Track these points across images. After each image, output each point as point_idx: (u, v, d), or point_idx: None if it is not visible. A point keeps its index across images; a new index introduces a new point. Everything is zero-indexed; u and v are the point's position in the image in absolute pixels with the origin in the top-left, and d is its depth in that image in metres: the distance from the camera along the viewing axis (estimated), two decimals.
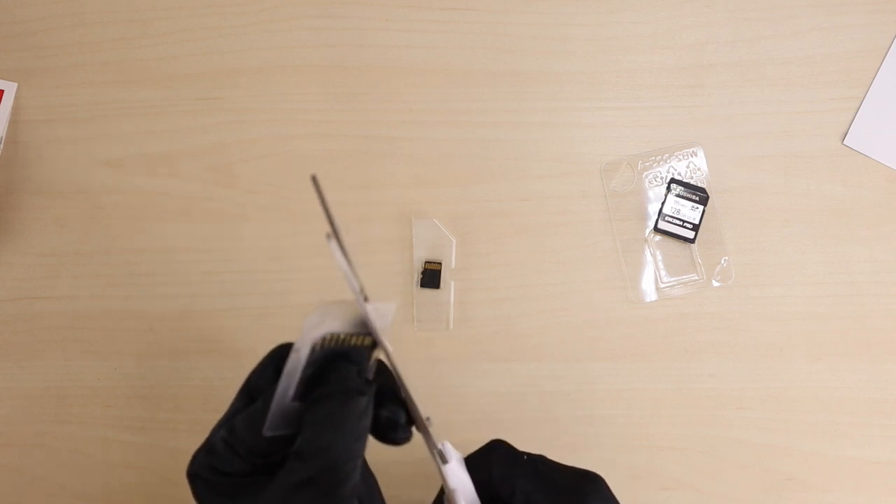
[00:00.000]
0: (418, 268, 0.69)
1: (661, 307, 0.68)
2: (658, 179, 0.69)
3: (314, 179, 0.37)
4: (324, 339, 0.40)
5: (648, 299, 0.68)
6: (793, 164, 0.68)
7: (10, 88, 0.71)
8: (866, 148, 0.68)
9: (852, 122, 0.68)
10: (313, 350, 0.40)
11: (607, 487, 0.47)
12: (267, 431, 0.40)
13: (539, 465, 0.49)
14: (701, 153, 0.69)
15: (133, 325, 0.70)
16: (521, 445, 0.69)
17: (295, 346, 0.39)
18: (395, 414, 0.42)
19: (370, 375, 0.42)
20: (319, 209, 0.36)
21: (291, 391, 0.40)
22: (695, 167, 0.69)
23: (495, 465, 0.50)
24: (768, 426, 0.68)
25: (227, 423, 0.42)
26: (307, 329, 0.39)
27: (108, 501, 0.69)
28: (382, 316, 0.40)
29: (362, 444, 0.40)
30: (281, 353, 0.43)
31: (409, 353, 0.69)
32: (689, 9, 0.69)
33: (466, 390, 0.68)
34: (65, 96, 0.71)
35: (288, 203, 0.70)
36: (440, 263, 0.68)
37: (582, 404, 0.68)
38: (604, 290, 0.68)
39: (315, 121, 0.70)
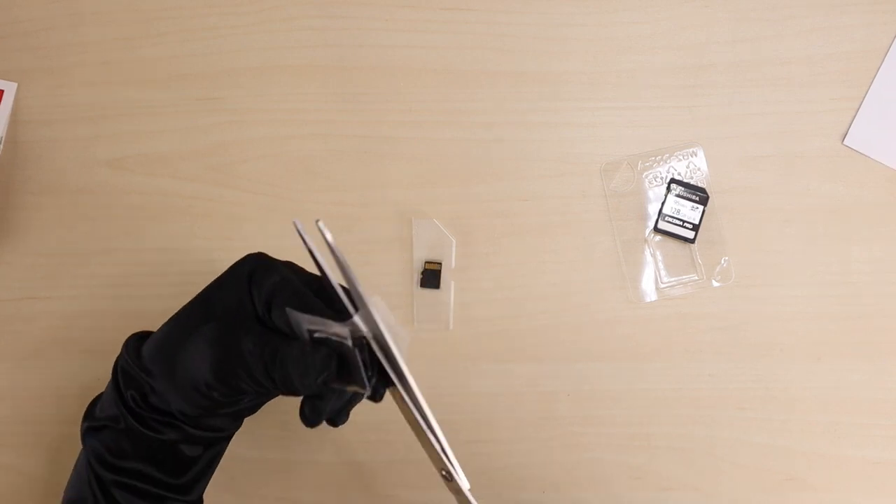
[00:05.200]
0: (418, 268, 0.69)
1: (661, 307, 0.68)
2: (658, 179, 0.69)
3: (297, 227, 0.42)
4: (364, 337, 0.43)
5: (648, 299, 0.68)
6: (793, 164, 0.68)
7: (10, 88, 0.71)
8: (866, 148, 0.68)
9: (852, 122, 0.68)
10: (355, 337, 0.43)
11: None
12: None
13: None
14: (701, 153, 0.69)
15: (133, 325, 0.70)
16: (522, 445, 0.69)
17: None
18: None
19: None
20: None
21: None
22: (695, 167, 0.69)
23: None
24: (768, 426, 0.68)
25: (184, 326, 0.48)
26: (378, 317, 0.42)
27: None
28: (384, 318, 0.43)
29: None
30: (247, 271, 0.48)
31: (409, 353, 0.68)
32: (689, 9, 0.69)
33: (466, 390, 0.68)
34: (65, 96, 0.71)
35: (288, 203, 0.70)
36: (440, 263, 0.68)
37: (582, 404, 0.68)
38: (604, 290, 0.68)
39: (315, 121, 0.70)
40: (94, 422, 0.52)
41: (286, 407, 0.64)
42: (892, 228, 0.68)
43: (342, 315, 0.44)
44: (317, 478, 0.69)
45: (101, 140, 0.71)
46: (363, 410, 0.62)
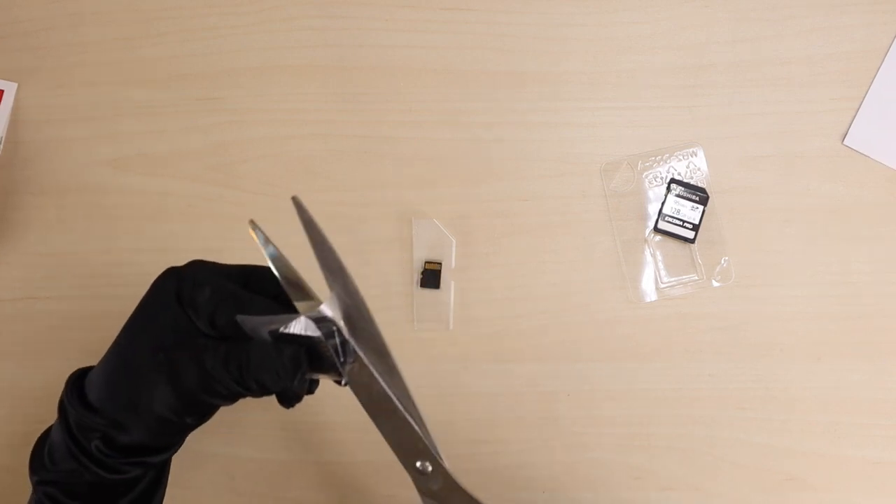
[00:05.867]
0: (418, 268, 0.69)
1: (661, 307, 0.68)
2: (658, 179, 0.69)
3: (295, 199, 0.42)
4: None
5: (648, 299, 0.68)
6: (793, 164, 0.68)
7: (10, 88, 0.71)
8: (866, 148, 0.68)
9: (852, 122, 0.68)
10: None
11: None
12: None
13: None
14: (701, 153, 0.69)
15: None
16: (522, 445, 0.69)
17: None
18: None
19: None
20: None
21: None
22: (695, 167, 0.69)
23: None
24: (768, 426, 0.68)
25: (129, 362, 0.46)
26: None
27: None
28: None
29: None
30: (172, 291, 0.47)
31: (409, 353, 0.69)
32: (689, 9, 0.69)
33: (466, 390, 0.68)
34: (65, 96, 0.71)
35: (288, 203, 0.70)
36: (440, 263, 0.68)
37: (582, 404, 0.68)
38: (604, 290, 0.68)
39: (315, 121, 0.70)
40: (48, 474, 0.50)
41: None
42: (892, 228, 0.68)
43: (280, 301, 0.44)
44: (317, 478, 0.69)
45: (101, 140, 0.71)
46: (363, 410, 0.62)
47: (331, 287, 0.43)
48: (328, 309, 0.42)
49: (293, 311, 0.45)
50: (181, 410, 0.45)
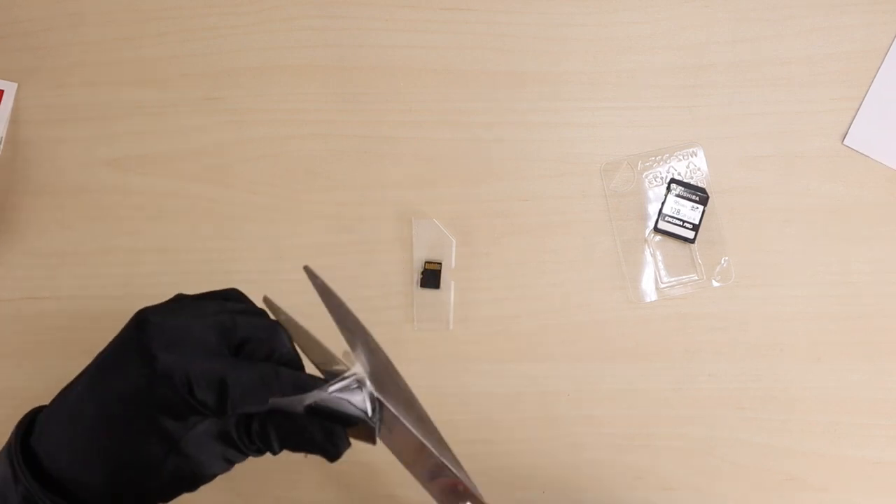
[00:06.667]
0: (418, 268, 0.69)
1: (661, 307, 0.68)
2: (658, 179, 0.69)
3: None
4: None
5: (648, 299, 0.68)
6: (793, 164, 0.68)
7: (10, 88, 0.71)
8: (866, 148, 0.68)
9: (852, 122, 0.68)
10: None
11: None
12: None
13: None
14: (701, 153, 0.69)
15: None
16: (521, 445, 0.69)
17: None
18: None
19: None
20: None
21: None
22: (695, 167, 0.69)
23: None
24: (768, 426, 0.68)
25: (124, 440, 0.42)
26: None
27: None
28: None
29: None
30: (166, 372, 0.42)
31: (409, 353, 0.69)
32: (689, 9, 0.69)
33: (466, 390, 0.68)
34: (65, 96, 0.71)
35: (288, 203, 0.70)
36: (440, 263, 0.68)
37: (582, 404, 0.68)
38: (604, 290, 0.68)
39: (315, 121, 0.70)
40: None
41: None
42: (892, 228, 0.68)
43: (276, 360, 0.44)
44: (317, 478, 0.69)
45: (101, 140, 0.71)
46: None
47: (352, 346, 0.44)
48: (355, 371, 0.43)
49: (297, 367, 0.45)
50: (205, 478, 0.46)
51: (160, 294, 0.70)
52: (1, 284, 0.70)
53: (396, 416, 0.44)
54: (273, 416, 0.44)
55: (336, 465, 0.69)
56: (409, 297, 0.69)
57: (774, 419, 0.68)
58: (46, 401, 0.72)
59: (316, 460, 0.69)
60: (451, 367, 0.69)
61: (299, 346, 0.46)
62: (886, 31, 0.68)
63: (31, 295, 0.70)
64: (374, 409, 0.44)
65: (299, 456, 0.69)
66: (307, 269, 0.43)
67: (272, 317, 0.46)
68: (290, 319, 0.46)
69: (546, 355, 0.68)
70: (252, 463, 0.69)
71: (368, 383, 0.43)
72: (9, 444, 0.44)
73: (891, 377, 0.67)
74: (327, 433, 0.43)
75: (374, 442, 0.44)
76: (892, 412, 0.67)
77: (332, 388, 0.43)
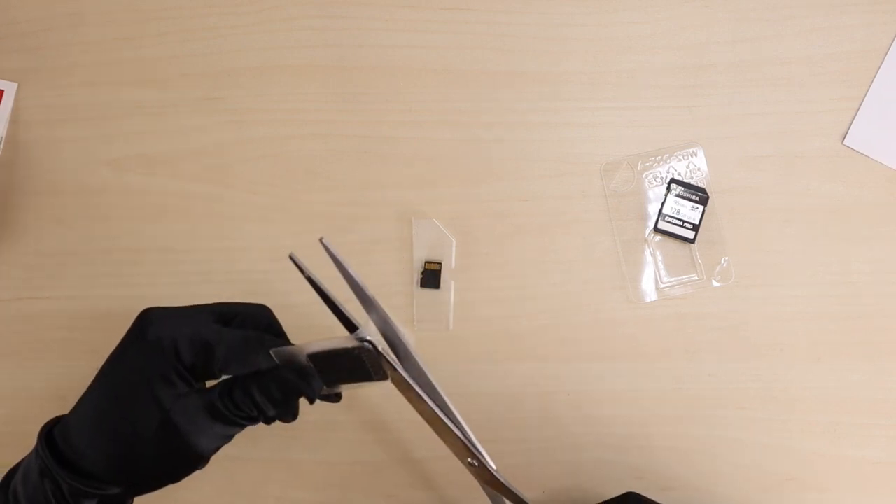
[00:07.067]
0: (418, 268, 0.69)
1: (661, 307, 0.68)
2: (658, 179, 0.69)
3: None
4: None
5: (648, 299, 0.68)
6: (793, 164, 0.68)
7: (10, 88, 0.71)
8: (866, 148, 0.68)
9: (852, 122, 0.68)
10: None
11: None
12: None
13: None
14: (701, 153, 0.69)
15: None
16: (521, 445, 0.69)
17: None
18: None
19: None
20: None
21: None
22: (695, 167, 0.69)
23: None
24: (768, 426, 0.68)
25: (134, 430, 0.46)
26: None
27: None
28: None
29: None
30: (170, 350, 0.47)
31: (417, 348, 0.68)
32: (689, 9, 0.69)
33: (466, 390, 0.68)
34: (65, 96, 0.71)
35: (288, 203, 0.70)
36: (440, 263, 0.68)
37: (582, 404, 0.68)
38: (604, 290, 0.68)
39: (315, 121, 0.70)
40: None
41: None
42: (892, 228, 0.68)
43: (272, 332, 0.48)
44: (317, 478, 0.69)
45: (101, 140, 0.71)
46: (363, 410, 0.62)
47: (368, 312, 0.46)
48: (366, 328, 0.45)
49: (287, 342, 0.49)
50: (208, 454, 0.49)
51: (160, 294, 0.70)
52: (1, 284, 0.70)
53: (404, 377, 0.46)
54: (251, 376, 0.47)
55: (336, 465, 0.69)
56: (409, 297, 0.69)
57: (774, 419, 0.68)
58: (46, 401, 0.72)
59: (316, 460, 0.69)
60: (451, 367, 0.69)
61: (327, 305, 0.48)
62: (886, 31, 0.68)
63: (31, 295, 0.70)
64: (381, 361, 0.45)
65: (300, 455, 0.69)
66: (322, 242, 0.44)
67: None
68: (312, 279, 0.47)
69: (546, 355, 0.68)
70: (252, 463, 0.69)
71: (380, 337, 0.45)
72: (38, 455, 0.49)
73: (891, 377, 0.67)
74: (301, 374, 0.47)
75: (385, 376, 0.46)
76: (892, 412, 0.67)
77: (339, 338, 0.44)
